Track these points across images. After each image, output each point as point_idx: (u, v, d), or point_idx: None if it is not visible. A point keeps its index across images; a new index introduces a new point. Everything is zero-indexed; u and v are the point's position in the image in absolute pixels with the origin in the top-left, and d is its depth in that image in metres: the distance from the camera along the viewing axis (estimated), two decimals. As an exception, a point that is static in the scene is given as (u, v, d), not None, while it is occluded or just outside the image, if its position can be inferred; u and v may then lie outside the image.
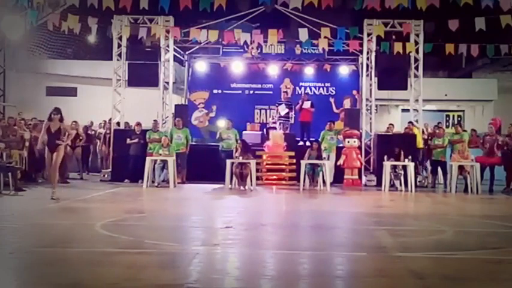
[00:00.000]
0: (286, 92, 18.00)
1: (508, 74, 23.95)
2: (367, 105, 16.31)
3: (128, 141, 14.92)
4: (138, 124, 15.21)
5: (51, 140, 10.65)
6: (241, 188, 13.66)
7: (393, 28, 15.61)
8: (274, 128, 16.82)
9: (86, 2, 14.21)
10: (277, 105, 17.02)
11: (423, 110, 16.33)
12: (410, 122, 15.83)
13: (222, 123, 15.88)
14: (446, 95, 22.81)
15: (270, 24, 16.74)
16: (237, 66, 18.96)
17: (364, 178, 15.41)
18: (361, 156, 15.48)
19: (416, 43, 15.65)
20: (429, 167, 15.72)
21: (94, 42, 22.82)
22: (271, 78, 19.33)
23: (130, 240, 6.77)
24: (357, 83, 18.29)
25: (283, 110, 16.68)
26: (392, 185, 14.18)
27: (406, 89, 15.94)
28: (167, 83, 16.20)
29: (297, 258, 6.07)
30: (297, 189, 13.96)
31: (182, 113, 16.16)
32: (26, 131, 14.33)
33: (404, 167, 13.98)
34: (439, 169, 15.03)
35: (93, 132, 17.69)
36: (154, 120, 15.45)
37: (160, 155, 13.91)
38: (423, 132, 15.84)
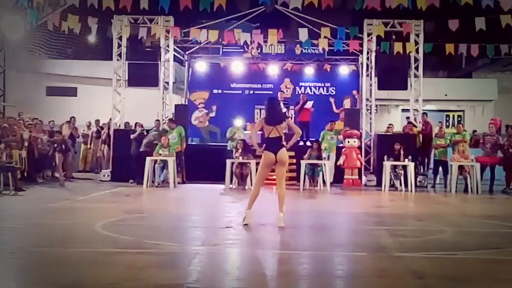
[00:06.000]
0: (282, 91, 17.90)
1: (508, 74, 23.95)
2: (367, 105, 16.30)
3: (132, 136, 14.86)
4: (141, 125, 15.20)
5: None
6: (241, 188, 13.67)
7: (393, 28, 15.61)
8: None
9: (86, 2, 14.21)
10: None
11: (423, 110, 16.33)
12: (410, 122, 15.83)
13: (239, 122, 15.72)
14: (446, 95, 22.80)
15: (270, 24, 16.72)
16: (237, 66, 18.93)
17: (364, 178, 15.41)
18: (361, 156, 15.47)
19: (416, 43, 15.64)
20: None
21: (94, 42, 22.81)
22: (271, 78, 19.30)
23: (131, 240, 6.77)
24: (357, 83, 18.28)
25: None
26: (392, 185, 14.19)
27: (406, 89, 15.93)
28: (167, 83, 16.20)
29: (297, 258, 6.08)
30: (297, 189, 13.95)
31: (182, 113, 16.15)
32: (25, 131, 14.33)
33: (404, 167, 13.99)
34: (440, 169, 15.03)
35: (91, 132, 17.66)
36: (170, 119, 15.36)
37: (160, 155, 13.93)
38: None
